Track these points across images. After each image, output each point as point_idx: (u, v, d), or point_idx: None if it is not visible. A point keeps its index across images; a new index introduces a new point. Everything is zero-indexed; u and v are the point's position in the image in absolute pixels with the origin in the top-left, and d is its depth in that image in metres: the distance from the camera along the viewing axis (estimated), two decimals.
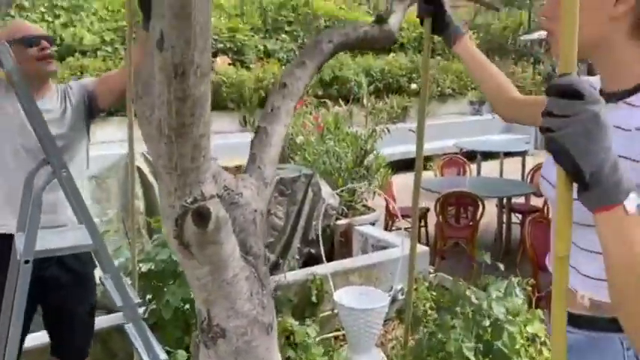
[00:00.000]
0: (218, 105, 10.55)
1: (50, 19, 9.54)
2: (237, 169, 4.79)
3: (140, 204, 4.26)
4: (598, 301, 1.11)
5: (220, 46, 10.90)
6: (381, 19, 2.21)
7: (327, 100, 6.21)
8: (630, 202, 0.80)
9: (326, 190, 5.14)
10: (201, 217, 1.33)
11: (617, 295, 0.84)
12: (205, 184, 1.37)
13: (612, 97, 1.11)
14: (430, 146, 9.90)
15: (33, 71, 2.27)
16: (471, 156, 8.55)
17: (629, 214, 0.80)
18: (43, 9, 9.61)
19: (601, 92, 1.17)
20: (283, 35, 11.78)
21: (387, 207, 5.85)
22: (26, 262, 1.85)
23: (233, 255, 1.46)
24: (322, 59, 2.09)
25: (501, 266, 2.90)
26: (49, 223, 2.32)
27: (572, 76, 0.79)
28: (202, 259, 1.41)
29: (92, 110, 2.55)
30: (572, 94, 0.78)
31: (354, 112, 6.54)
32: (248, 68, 10.85)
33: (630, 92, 1.08)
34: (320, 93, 9.55)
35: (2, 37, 2.23)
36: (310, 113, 6.09)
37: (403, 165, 7.92)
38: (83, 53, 9.29)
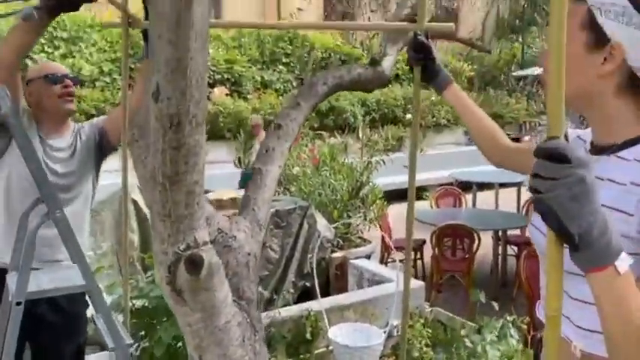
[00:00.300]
0: (215, 135, 10.62)
1: (50, 50, 9.65)
2: (233, 202, 4.80)
3: (135, 237, 4.24)
4: (589, 353, 1.11)
5: (218, 77, 11.02)
6: (374, 62, 2.25)
7: (322, 133, 6.27)
8: (622, 262, 0.81)
9: (321, 222, 5.15)
10: (194, 264, 1.33)
11: (613, 350, 0.84)
12: (198, 231, 1.37)
13: (605, 150, 1.13)
14: (425, 176, 9.95)
15: (54, 108, 2.37)
16: (467, 186, 8.58)
17: (622, 274, 0.80)
18: (43, 40, 9.73)
19: (593, 145, 1.19)
20: (280, 66, 11.93)
21: (382, 238, 5.85)
22: (18, 303, 1.83)
23: (225, 301, 1.46)
24: (317, 100, 2.13)
25: (496, 306, 2.89)
26: (46, 257, 2.33)
27: (559, 140, 0.81)
28: (194, 305, 1.40)
29: (103, 146, 2.58)
30: (559, 157, 0.79)
31: (349, 143, 6.59)
32: (245, 99, 10.96)
33: (621, 147, 1.10)
34: (316, 125, 9.62)
35: (31, 75, 2.32)
36: (306, 145, 6.13)
37: (399, 195, 7.94)
38: (82, 84, 9.36)
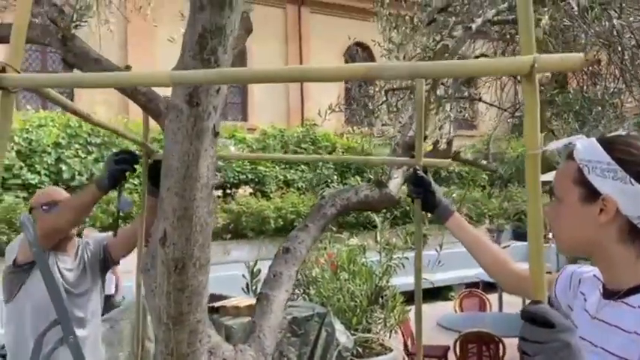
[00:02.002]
0: (238, 234, 10.78)
1: (83, 155, 10.15)
2: (250, 308, 4.76)
3: (151, 346, 4.22)
4: None
5: (243, 177, 11.34)
6: (380, 184, 2.35)
7: (341, 235, 6.32)
8: None
9: (340, 329, 5.04)
10: None
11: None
12: None
13: (613, 294, 1.16)
14: (450, 275, 9.76)
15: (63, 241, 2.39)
16: (493, 286, 8.36)
17: None
18: (77, 145, 10.28)
19: (604, 287, 1.21)
20: (303, 166, 12.25)
21: (404, 344, 5.67)
22: None
23: None
24: (325, 222, 2.20)
25: None
26: None
27: (543, 305, 0.85)
28: None
29: (107, 262, 2.66)
30: (543, 322, 0.83)
31: (369, 243, 6.61)
32: (268, 198, 11.18)
33: (627, 293, 1.13)
34: (336, 225, 9.69)
35: (32, 203, 2.42)
36: (325, 248, 6.16)
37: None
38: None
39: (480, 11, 2.70)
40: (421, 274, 1.89)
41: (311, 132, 12.38)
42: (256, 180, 11.53)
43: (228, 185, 11.50)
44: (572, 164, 1.18)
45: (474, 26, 2.49)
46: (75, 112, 1.36)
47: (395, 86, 3.66)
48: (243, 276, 5.32)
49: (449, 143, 2.48)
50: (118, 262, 2.79)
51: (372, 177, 2.53)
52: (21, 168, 10.10)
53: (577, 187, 1.17)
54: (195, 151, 1.23)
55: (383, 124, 3.97)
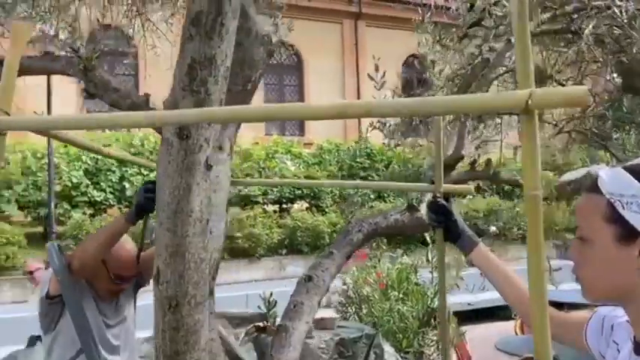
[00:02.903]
0: (293, 249, 10.81)
1: (145, 172, 10.53)
2: (321, 321, 4.68)
3: None
4: None
5: (298, 192, 11.39)
6: (412, 208, 2.23)
7: (392, 255, 6.16)
8: None
9: (389, 351, 4.88)
10: None
11: None
12: None
13: None
14: None
15: (104, 289, 2.33)
16: (558, 306, 7.89)
17: None
18: None
19: (635, 340, 1.07)
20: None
21: None
22: None
23: None
24: (351, 249, 2.11)
25: None
26: None
27: None
28: None
29: (138, 288, 2.66)
30: None
31: (421, 261, 6.41)
32: (324, 213, 11.16)
33: None
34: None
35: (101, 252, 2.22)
36: (374, 267, 6.02)
37: (479, 315, 7.46)
38: None
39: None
40: (445, 302, 1.78)
41: (365, 146, 12.27)
42: (312, 195, 11.55)
43: (284, 200, 11.57)
44: (599, 199, 1.03)
45: (513, 39, 2.34)
46: (84, 147, 1.35)
47: None
48: None
49: (487, 163, 2.32)
50: (148, 283, 2.77)
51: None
52: (87, 186, 10.61)
53: (610, 226, 1.01)
54: (186, 185, 1.19)
55: (431, 141, 3.83)
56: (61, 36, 2.28)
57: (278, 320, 2.21)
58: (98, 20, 2.05)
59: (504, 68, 2.80)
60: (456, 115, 2.34)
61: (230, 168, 1.92)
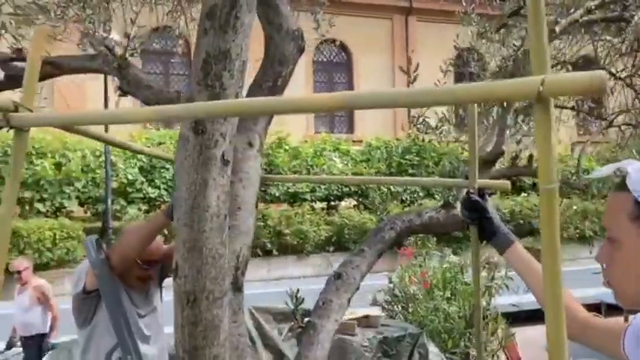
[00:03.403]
0: (341, 247, 10.79)
1: None
2: (365, 319, 4.64)
3: None
4: None
5: (346, 189, 11.36)
6: (448, 205, 2.16)
7: (439, 253, 6.02)
8: None
9: (434, 351, 4.78)
10: None
11: None
12: None
13: None
14: None
15: (133, 277, 2.38)
16: (618, 308, 7.52)
17: None
18: None
19: None
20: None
21: None
22: None
23: None
24: (383, 247, 2.07)
25: None
26: None
27: None
28: None
29: (163, 278, 2.70)
30: None
31: (468, 262, 6.24)
32: (371, 210, 11.08)
33: None
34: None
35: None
36: (420, 266, 5.90)
37: (531, 316, 7.18)
38: None
39: (572, 9, 2.41)
40: (480, 304, 1.71)
41: (414, 143, 12.07)
42: (359, 192, 11.48)
43: (332, 198, 11.56)
44: (627, 197, 0.96)
45: (557, 28, 2.22)
46: (108, 142, 1.38)
47: None
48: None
49: (529, 159, 2.22)
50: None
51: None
52: (142, 183, 10.97)
53: (638, 226, 0.95)
54: (202, 180, 1.19)
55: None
56: (114, 36, 2.33)
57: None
58: (132, 20, 2.09)
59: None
60: (482, 104, 2.25)
61: (260, 164, 1.92)
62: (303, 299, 4.18)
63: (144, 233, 2.10)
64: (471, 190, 1.60)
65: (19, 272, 5.15)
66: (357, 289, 1.98)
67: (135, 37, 1.94)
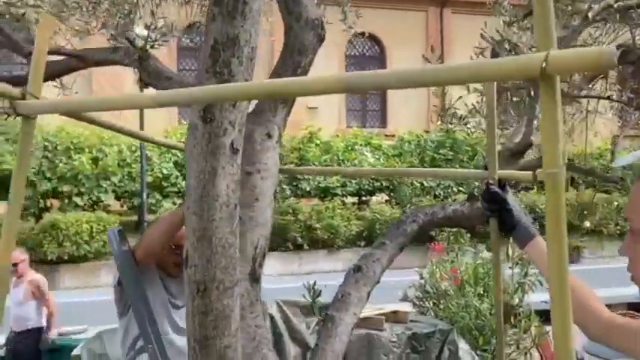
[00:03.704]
0: (372, 241, 10.72)
1: None
2: (394, 315, 4.59)
3: None
4: None
5: (377, 184, 11.28)
6: (473, 197, 2.10)
7: (471, 249, 5.89)
8: None
9: (464, 348, 4.70)
10: None
11: None
12: None
13: None
14: (608, 294, 8.65)
15: (168, 262, 2.41)
16: None
17: None
18: None
19: None
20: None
21: None
22: None
23: None
24: (405, 240, 2.02)
25: None
26: None
27: None
28: None
29: None
30: None
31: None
32: (403, 205, 10.97)
33: None
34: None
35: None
36: (452, 262, 5.80)
37: None
38: None
39: None
40: (501, 299, 1.65)
41: (450, 135, 11.87)
42: (391, 187, 11.38)
43: (363, 193, 11.50)
44: None
45: (590, 15, 2.13)
46: (115, 130, 1.39)
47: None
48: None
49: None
50: None
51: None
52: (177, 177, 11.14)
53: None
54: (211, 168, 1.17)
55: (504, 128, 3.60)
56: (136, 29, 2.36)
57: None
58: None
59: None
60: (509, 93, 2.16)
61: (279, 155, 1.90)
62: (321, 292, 4.16)
63: (165, 226, 2.12)
64: (491, 182, 1.54)
65: (15, 265, 4.80)
66: (377, 282, 1.95)
67: (156, 29, 1.95)
